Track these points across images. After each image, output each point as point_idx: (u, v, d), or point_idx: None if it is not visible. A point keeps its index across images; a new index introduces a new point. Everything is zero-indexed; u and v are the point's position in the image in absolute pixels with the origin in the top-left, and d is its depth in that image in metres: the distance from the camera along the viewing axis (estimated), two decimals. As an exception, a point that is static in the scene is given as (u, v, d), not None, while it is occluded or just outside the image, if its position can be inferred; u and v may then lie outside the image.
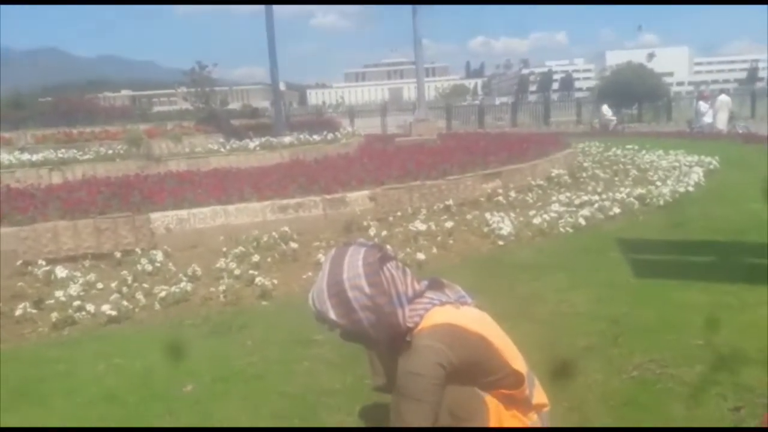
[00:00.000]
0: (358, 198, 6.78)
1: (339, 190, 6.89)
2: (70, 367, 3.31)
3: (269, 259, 5.27)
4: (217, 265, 5.02)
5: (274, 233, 5.91)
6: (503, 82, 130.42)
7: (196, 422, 2.61)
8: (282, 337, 3.53)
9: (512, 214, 6.57)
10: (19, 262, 5.47)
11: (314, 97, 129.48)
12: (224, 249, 5.65)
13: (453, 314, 1.81)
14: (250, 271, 4.77)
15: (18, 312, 4.12)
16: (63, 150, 10.34)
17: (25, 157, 10.14)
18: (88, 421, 2.68)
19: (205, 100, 55.07)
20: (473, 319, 1.84)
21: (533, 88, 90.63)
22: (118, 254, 5.65)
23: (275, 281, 4.52)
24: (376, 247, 1.82)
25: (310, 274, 4.70)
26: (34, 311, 4.16)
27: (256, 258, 5.19)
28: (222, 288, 4.40)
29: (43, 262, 5.31)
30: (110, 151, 10.15)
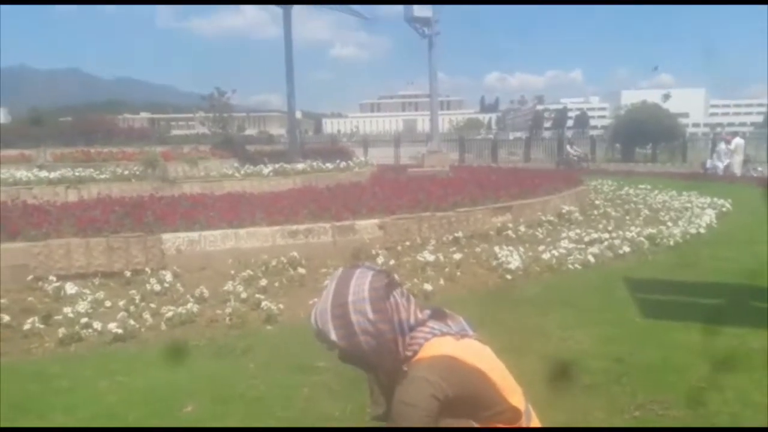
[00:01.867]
0: (367, 226, 6.82)
1: (349, 217, 6.94)
2: (72, 383, 3.33)
3: (276, 284, 5.30)
4: (225, 288, 5.05)
5: (282, 258, 5.96)
6: (518, 117, 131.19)
7: (194, 443, 2.61)
8: (285, 362, 3.53)
9: (521, 249, 6.56)
10: (29, 277, 5.53)
11: (329, 126, 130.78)
12: (233, 272, 5.70)
13: (452, 346, 1.81)
14: (257, 295, 4.80)
15: (26, 326, 4.16)
16: (80, 169, 10.48)
17: (43, 174, 10.29)
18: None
19: (222, 126, 55.85)
20: (473, 352, 1.84)
21: (548, 124, 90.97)
22: (128, 273, 5.71)
23: (281, 306, 4.54)
24: (384, 273, 1.83)
25: (316, 300, 4.70)
26: (41, 326, 4.19)
27: (263, 282, 5.23)
28: (228, 311, 4.43)
29: (54, 278, 5.37)
30: (126, 172, 10.29)
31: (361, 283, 1.76)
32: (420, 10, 13.74)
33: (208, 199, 8.22)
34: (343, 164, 12.15)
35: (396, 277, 2.03)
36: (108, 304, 4.85)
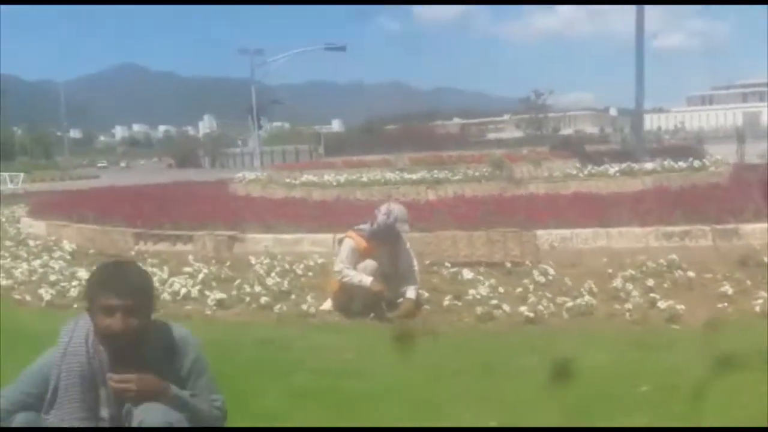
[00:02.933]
0: (755, 231, 6.20)
1: (731, 220, 6.40)
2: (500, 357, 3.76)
3: (665, 285, 5.18)
4: (613, 285, 5.12)
5: (662, 260, 5.78)
6: None
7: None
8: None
9: None
10: (427, 262, 6.38)
11: (649, 123, 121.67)
12: (609, 270, 5.73)
13: None
14: (651, 294, 4.75)
15: (445, 303, 4.84)
16: (435, 171, 11.69)
17: (406, 176, 11.72)
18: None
19: (538, 127, 56.15)
20: None
21: None
22: (508, 264, 6.18)
23: (683, 306, 4.43)
24: None
25: (722, 305, 4.51)
26: (459, 303, 4.83)
27: (650, 282, 5.15)
28: (628, 306, 4.49)
29: (449, 265, 6.11)
30: (477, 173, 11.12)
31: None
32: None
33: (561, 199, 8.41)
34: (696, 163, 11.22)
35: None
36: (501, 290, 5.32)
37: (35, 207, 12.04)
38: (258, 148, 30.88)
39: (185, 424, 1.99)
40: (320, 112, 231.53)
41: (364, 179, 11.53)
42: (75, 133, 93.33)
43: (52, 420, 1.96)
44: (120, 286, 1.95)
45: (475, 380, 3.43)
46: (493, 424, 2.87)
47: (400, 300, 4.81)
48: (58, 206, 11.16)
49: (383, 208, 4.77)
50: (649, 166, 11.03)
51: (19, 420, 1.93)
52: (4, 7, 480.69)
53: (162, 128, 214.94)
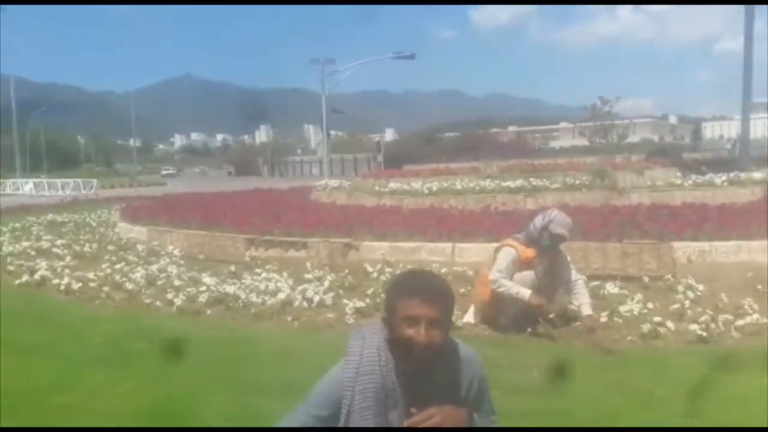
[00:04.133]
0: None
1: None
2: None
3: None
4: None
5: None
6: None
7: None
8: None
9: None
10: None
11: (710, 131, 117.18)
12: (759, 287, 5.41)
13: None
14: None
15: (602, 319, 4.64)
16: (532, 179, 11.45)
17: (502, 184, 11.52)
18: None
19: (604, 135, 54.75)
20: None
21: None
22: (645, 279, 5.91)
23: None
24: None
25: None
26: (618, 320, 4.62)
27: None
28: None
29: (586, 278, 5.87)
30: (577, 182, 10.83)
31: None
32: None
33: (685, 209, 8.06)
34: (807, 172, 10.65)
35: None
36: (650, 305, 5.07)
37: (127, 212, 12.40)
38: (327, 156, 31.05)
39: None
40: (374, 121, 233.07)
41: (458, 187, 11.40)
42: (135, 142, 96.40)
43: (346, 445, 1.86)
44: (428, 295, 1.84)
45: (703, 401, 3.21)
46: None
47: (552, 315, 4.62)
48: (153, 212, 11.43)
49: (545, 215, 4.59)
50: (757, 175, 10.52)
51: None
52: (70, 19, 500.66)
53: (219, 137, 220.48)
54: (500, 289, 4.49)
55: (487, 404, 2.02)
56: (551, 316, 4.61)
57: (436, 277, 2.00)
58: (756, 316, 4.47)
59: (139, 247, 8.94)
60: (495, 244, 5.31)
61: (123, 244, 9.55)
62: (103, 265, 7.24)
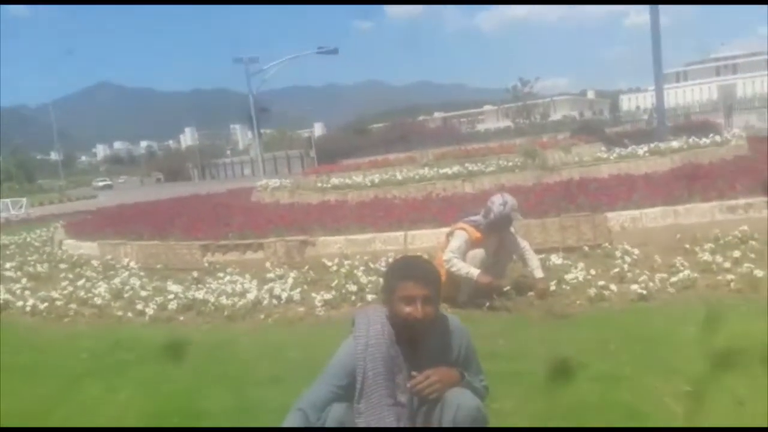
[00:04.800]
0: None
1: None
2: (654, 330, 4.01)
3: (752, 255, 5.45)
4: (703, 258, 5.40)
5: (736, 232, 6.07)
6: None
7: None
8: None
9: None
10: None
11: (627, 103, 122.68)
12: (687, 246, 6.01)
13: None
14: (746, 265, 5.02)
15: (552, 288, 5.08)
16: (468, 164, 11.93)
17: (440, 171, 11.96)
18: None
19: (527, 115, 56.18)
20: None
21: None
22: (585, 248, 6.43)
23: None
24: None
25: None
26: (566, 287, 5.08)
27: (736, 253, 5.43)
28: (730, 277, 4.78)
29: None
30: (510, 164, 11.39)
31: None
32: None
33: (613, 180, 8.69)
34: (718, 138, 11.59)
35: None
36: (593, 272, 5.55)
37: (71, 229, 12.12)
38: (260, 156, 30.91)
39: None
40: (301, 117, 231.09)
41: (399, 177, 11.74)
42: (55, 155, 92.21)
43: (362, 407, 2.16)
44: (421, 277, 2.17)
45: (652, 351, 3.66)
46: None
47: (507, 288, 5.03)
48: (99, 226, 11.25)
49: (498, 199, 4.96)
50: (675, 144, 11.37)
51: (335, 410, 2.13)
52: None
53: (144, 144, 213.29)
54: (453, 269, 4.81)
55: (475, 365, 2.37)
56: (506, 289, 5.03)
57: (426, 262, 2.36)
58: (687, 272, 5.01)
59: (94, 263, 8.84)
60: (444, 229, 5.72)
61: (75, 261, 9.38)
62: (63, 283, 7.17)
